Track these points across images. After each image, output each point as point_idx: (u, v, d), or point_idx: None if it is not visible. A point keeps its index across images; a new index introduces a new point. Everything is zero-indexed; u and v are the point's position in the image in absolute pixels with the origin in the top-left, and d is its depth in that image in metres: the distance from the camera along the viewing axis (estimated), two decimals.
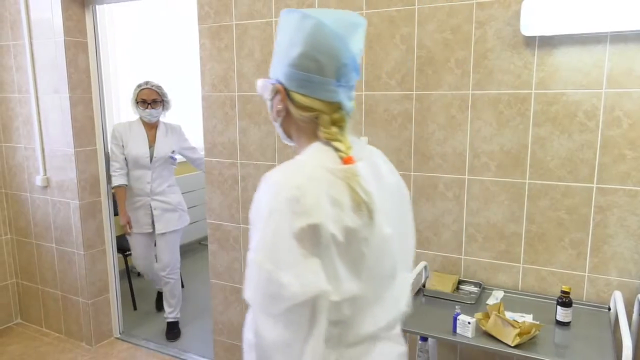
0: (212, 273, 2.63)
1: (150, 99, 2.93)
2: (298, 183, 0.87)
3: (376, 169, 1.00)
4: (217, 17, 2.33)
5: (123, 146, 2.94)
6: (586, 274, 1.82)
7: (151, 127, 3.02)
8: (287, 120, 1.00)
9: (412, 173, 2.05)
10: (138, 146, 2.96)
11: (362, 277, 0.94)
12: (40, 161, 2.97)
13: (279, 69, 0.97)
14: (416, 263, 2.07)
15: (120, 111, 4.08)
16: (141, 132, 2.98)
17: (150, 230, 3.10)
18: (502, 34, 1.82)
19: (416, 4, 1.93)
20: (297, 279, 0.85)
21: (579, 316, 1.71)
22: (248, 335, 0.94)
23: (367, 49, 2.04)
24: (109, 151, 2.97)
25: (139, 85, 2.96)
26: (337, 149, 0.94)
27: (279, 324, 0.88)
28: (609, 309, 1.75)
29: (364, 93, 2.08)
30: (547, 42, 1.76)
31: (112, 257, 3.12)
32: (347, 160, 0.92)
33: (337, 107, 0.95)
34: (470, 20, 1.86)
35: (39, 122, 2.93)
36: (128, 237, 3.14)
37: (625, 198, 1.72)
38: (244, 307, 2.53)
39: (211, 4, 2.33)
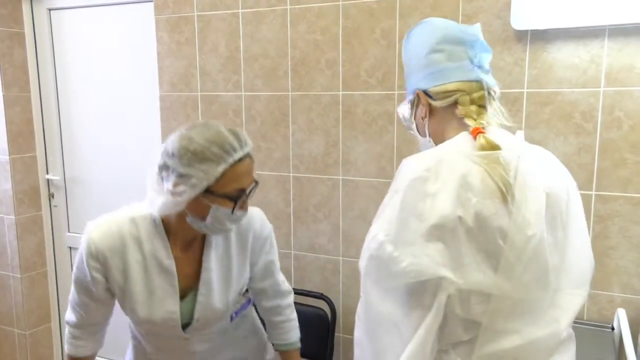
0: None
1: (249, 181, 1.15)
2: (427, 165, 0.87)
3: (530, 166, 0.90)
4: (176, 7, 2.10)
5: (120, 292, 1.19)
6: None
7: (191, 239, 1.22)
8: (431, 123, 1.00)
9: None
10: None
11: (499, 272, 0.85)
12: None
13: (414, 81, 1.01)
14: None
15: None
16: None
17: None
18: (491, 27, 1.67)
19: None
20: (410, 258, 0.83)
21: (580, 337, 1.52)
22: (359, 308, 0.94)
23: (344, 45, 1.86)
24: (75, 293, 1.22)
25: (227, 150, 1.07)
26: (468, 125, 0.93)
27: (388, 298, 0.87)
28: (613, 329, 1.60)
29: (341, 93, 1.89)
30: (540, 37, 1.62)
31: (54, 281, 2.76)
32: (474, 131, 0.90)
33: (478, 86, 0.95)
34: (457, 13, 1.70)
35: None
36: None
37: (627, 206, 1.59)
38: None
39: None
